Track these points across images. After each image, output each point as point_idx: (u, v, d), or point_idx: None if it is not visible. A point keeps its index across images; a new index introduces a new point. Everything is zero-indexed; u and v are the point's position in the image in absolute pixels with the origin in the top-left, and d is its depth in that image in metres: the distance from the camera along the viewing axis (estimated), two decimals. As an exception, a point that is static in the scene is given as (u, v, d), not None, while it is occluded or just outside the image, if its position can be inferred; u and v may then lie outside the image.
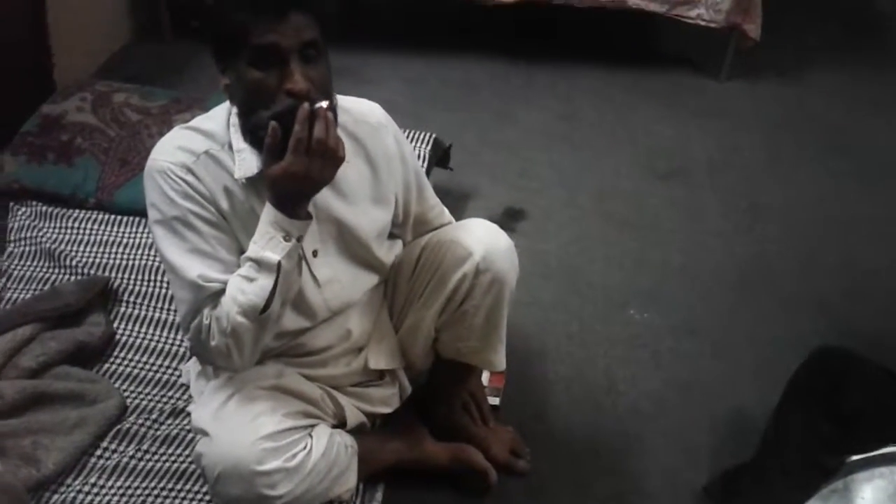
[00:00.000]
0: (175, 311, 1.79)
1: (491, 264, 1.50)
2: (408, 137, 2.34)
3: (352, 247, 1.49)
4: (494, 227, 1.59)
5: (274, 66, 1.25)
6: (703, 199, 2.63)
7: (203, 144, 1.37)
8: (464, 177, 2.60)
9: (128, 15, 3.32)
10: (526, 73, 3.28)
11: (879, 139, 2.98)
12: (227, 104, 1.40)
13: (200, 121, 1.42)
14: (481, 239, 1.52)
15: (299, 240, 1.31)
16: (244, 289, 1.31)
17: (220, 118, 1.39)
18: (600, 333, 2.13)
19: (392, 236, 1.59)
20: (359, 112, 1.48)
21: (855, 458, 1.27)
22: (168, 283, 1.57)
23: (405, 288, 1.61)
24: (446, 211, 1.69)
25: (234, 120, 1.36)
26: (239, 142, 1.35)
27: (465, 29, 3.51)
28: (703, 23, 3.10)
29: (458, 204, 2.47)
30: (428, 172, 2.28)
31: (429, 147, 2.37)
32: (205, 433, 1.41)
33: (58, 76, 2.60)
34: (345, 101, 1.44)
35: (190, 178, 1.34)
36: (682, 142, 2.92)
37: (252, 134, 1.32)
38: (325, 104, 1.24)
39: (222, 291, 1.33)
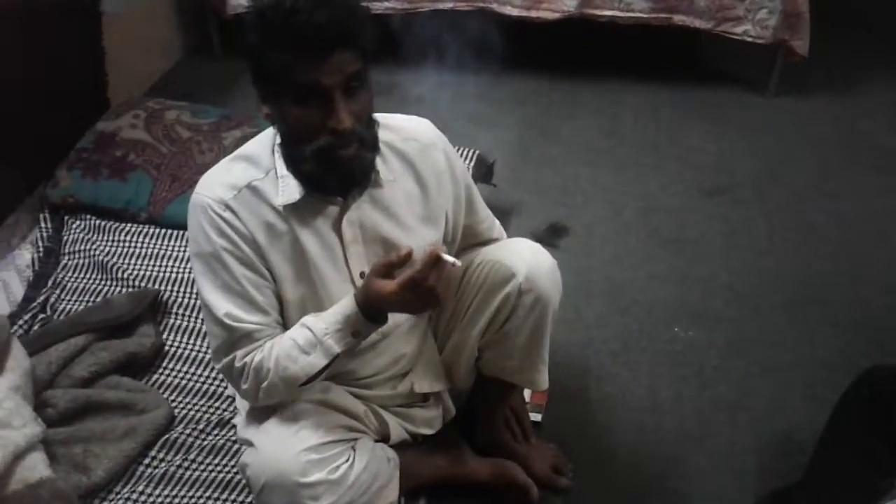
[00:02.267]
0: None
1: (534, 284, 1.49)
2: (452, 153, 2.37)
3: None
4: (538, 246, 1.57)
5: (317, 103, 1.25)
6: (751, 217, 2.60)
7: (246, 175, 1.36)
8: (507, 193, 2.61)
9: (179, 34, 3.41)
10: (570, 89, 3.28)
11: (932, 156, 2.91)
12: (272, 129, 1.40)
13: (250, 145, 1.42)
14: (525, 259, 1.51)
15: (366, 337, 1.36)
16: (296, 358, 1.33)
17: (267, 142, 1.39)
18: (644, 351, 2.11)
19: None
20: (408, 130, 1.46)
21: (906, 481, 1.24)
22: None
23: (449, 307, 1.60)
24: (497, 224, 1.68)
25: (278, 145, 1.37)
26: (282, 168, 1.35)
27: (510, 46, 3.52)
28: (749, 39, 3.07)
29: (502, 220, 2.42)
30: (471, 189, 2.29)
31: (472, 164, 2.39)
32: (250, 444, 1.43)
33: (112, 94, 2.68)
34: (394, 119, 1.45)
35: (227, 214, 1.34)
36: (728, 159, 2.88)
37: (294, 166, 1.33)
38: (457, 263, 1.25)
39: (253, 333, 1.36)
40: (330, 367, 1.35)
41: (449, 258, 1.24)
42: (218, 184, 1.36)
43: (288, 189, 1.34)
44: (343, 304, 1.34)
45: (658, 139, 2.99)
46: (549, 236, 2.50)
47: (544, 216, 2.58)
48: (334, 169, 1.30)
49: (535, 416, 1.87)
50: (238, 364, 1.37)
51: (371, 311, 1.32)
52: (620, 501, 1.75)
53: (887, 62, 3.45)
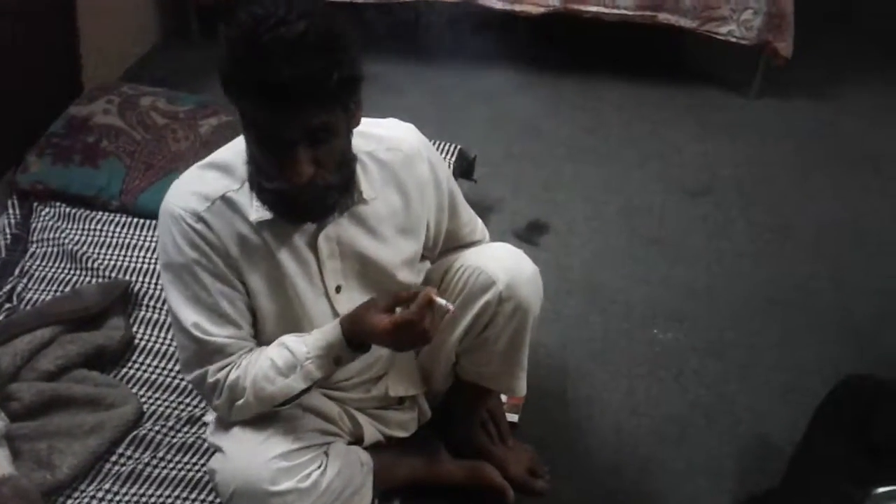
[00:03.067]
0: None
1: (514, 293, 1.46)
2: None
3: (376, 280, 1.43)
4: (519, 253, 1.55)
5: (277, 151, 1.18)
6: (732, 218, 2.59)
7: (219, 185, 1.30)
8: (488, 189, 2.58)
9: (156, 18, 3.34)
10: (552, 85, 3.25)
11: (912, 160, 2.92)
12: None
13: (221, 152, 1.36)
14: (506, 266, 1.48)
15: (347, 363, 1.35)
16: (272, 378, 1.31)
17: (241, 151, 1.31)
18: (623, 352, 2.09)
19: (421, 258, 1.54)
20: (392, 139, 1.40)
21: (881, 490, 1.24)
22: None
23: None
24: (479, 226, 1.64)
25: None
26: None
27: (493, 40, 3.50)
28: (734, 39, 3.06)
29: (482, 216, 2.39)
30: (452, 184, 2.26)
31: (453, 158, 2.36)
32: (219, 450, 1.39)
33: (85, 78, 2.62)
34: (377, 127, 1.39)
35: (200, 226, 1.28)
36: (710, 159, 2.87)
37: (257, 193, 1.28)
38: (451, 307, 1.28)
39: (225, 347, 1.33)
40: (308, 390, 1.34)
41: (442, 301, 1.25)
42: (190, 193, 1.30)
43: (263, 206, 1.29)
44: (327, 332, 1.32)
45: (641, 138, 2.97)
46: (529, 233, 2.48)
47: (525, 213, 2.56)
48: (293, 209, 1.27)
49: (512, 417, 1.85)
50: (211, 379, 1.33)
51: (356, 341, 1.31)
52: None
53: (870, 64, 3.46)
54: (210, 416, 1.51)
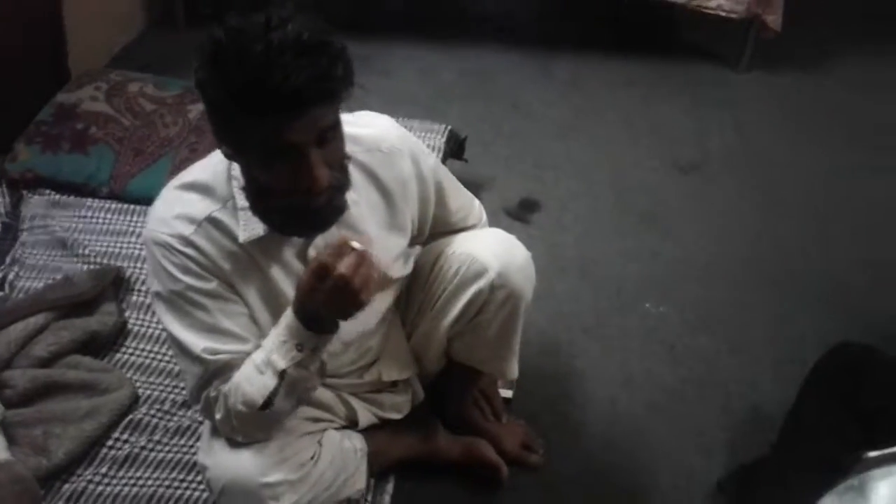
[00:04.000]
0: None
1: (507, 280, 1.45)
2: (423, 129, 2.33)
3: None
4: (512, 239, 1.53)
5: (288, 162, 1.13)
6: (723, 193, 2.60)
7: (202, 207, 1.26)
8: (479, 168, 2.58)
9: (142, 4, 3.31)
10: (543, 63, 3.24)
11: (901, 132, 2.93)
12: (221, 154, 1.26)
13: (197, 171, 1.31)
14: (498, 254, 1.46)
15: (315, 350, 1.24)
16: (251, 379, 1.25)
17: (220, 170, 1.28)
18: (616, 327, 2.10)
19: (411, 243, 1.51)
20: (370, 140, 1.36)
21: (872, 454, 1.25)
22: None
23: (419, 295, 1.56)
24: (475, 212, 1.62)
25: (236, 173, 1.26)
26: (242, 200, 1.25)
27: (482, 19, 3.48)
28: (723, 13, 3.05)
29: (473, 195, 2.45)
30: (442, 163, 2.26)
31: (444, 139, 2.35)
32: (208, 445, 1.37)
33: (72, 65, 2.60)
34: (353, 128, 1.28)
35: (190, 250, 1.25)
36: (701, 134, 2.87)
37: (261, 216, 1.24)
38: (362, 246, 1.14)
39: (231, 361, 1.28)
40: (288, 388, 1.25)
41: (357, 245, 1.14)
42: (174, 218, 1.26)
43: (250, 224, 1.26)
44: (285, 314, 1.25)
45: (631, 114, 2.97)
46: (521, 211, 2.48)
47: (516, 191, 2.56)
48: (306, 221, 1.22)
49: (506, 394, 1.86)
50: (213, 394, 1.30)
51: (305, 314, 1.21)
52: (590, 476, 1.75)
53: (859, 37, 3.45)
54: (205, 430, 1.44)
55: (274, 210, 1.22)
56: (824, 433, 1.54)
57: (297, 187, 1.15)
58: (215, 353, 1.27)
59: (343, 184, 1.22)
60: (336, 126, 1.16)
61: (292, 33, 1.07)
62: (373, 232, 1.37)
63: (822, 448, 1.52)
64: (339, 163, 1.20)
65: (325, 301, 1.17)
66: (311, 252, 1.30)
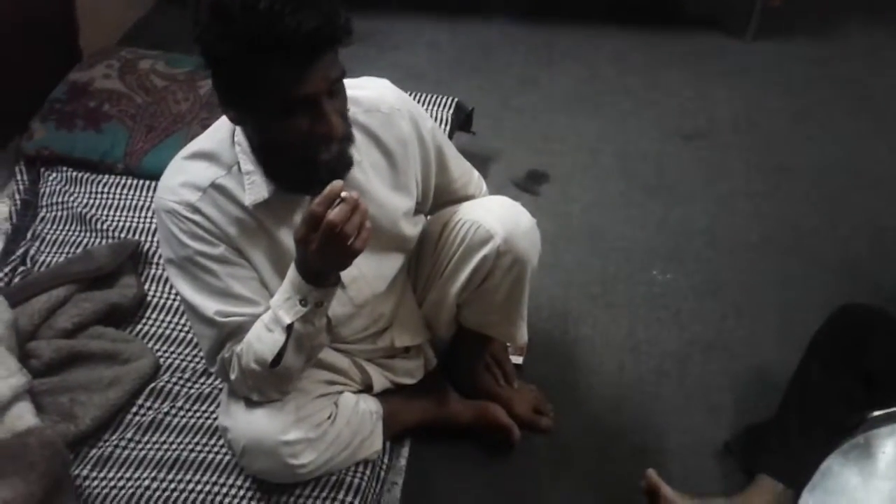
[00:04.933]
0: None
1: (512, 246, 1.47)
2: (430, 102, 2.36)
3: (375, 238, 1.33)
4: (517, 205, 1.55)
5: (302, 112, 1.17)
6: (729, 160, 2.62)
7: (207, 174, 1.30)
8: (486, 140, 2.61)
9: (151, -18, 3.33)
10: (548, 36, 3.26)
11: (907, 99, 2.94)
12: (226, 120, 1.31)
13: (202, 140, 1.35)
14: (503, 220, 1.48)
15: (319, 304, 1.26)
16: (261, 337, 1.29)
17: (224, 137, 1.31)
18: (623, 294, 2.14)
19: (416, 212, 1.55)
20: (369, 101, 1.39)
21: (876, 413, 1.27)
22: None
23: (428, 263, 1.60)
24: (475, 179, 1.65)
25: (240, 138, 1.29)
26: (247, 164, 1.29)
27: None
28: (728, -18, 3.05)
29: (481, 167, 2.45)
30: (450, 136, 2.29)
31: (451, 111, 2.37)
32: (227, 407, 1.42)
33: (84, 44, 2.63)
34: (353, 90, 1.30)
35: (197, 217, 1.29)
36: (707, 103, 2.89)
37: (275, 174, 1.28)
38: (354, 194, 1.15)
39: (244, 324, 1.32)
40: (296, 344, 1.29)
41: (346, 193, 1.15)
42: (180, 185, 1.30)
43: (255, 187, 1.29)
44: (289, 271, 1.27)
45: (636, 85, 2.99)
46: (529, 183, 2.51)
47: (524, 163, 2.59)
48: (319, 172, 1.23)
49: (517, 360, 1.90)
50: (227, 355, 1.34)
51: (304, 267, 1.24)
52: (600, 439, 1.80)
53: (864, 6, 3.44)
54: (223, 394, 1.50)
55: (288, 166, 1.25)
56: (829, 394, 1.57)
57: (312, 138, 1.18)
58: (227, 315, 1.32)
59: (350, 134, 1.26)
60: (342, 76, 1.20)
61: None
62: (378, 192, 1.41)
63: (828, 408, 1.55)
64: (345, 113, 1.24)
65: (320, 250, 1.17)
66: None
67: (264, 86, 1.14)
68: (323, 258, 1.20)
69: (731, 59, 3.14)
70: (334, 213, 1.14)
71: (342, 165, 1.25)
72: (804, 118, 2.82)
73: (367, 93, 1.40)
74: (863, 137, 2.73)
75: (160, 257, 1.98)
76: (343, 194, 1.15)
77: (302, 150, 1.21)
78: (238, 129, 1.29)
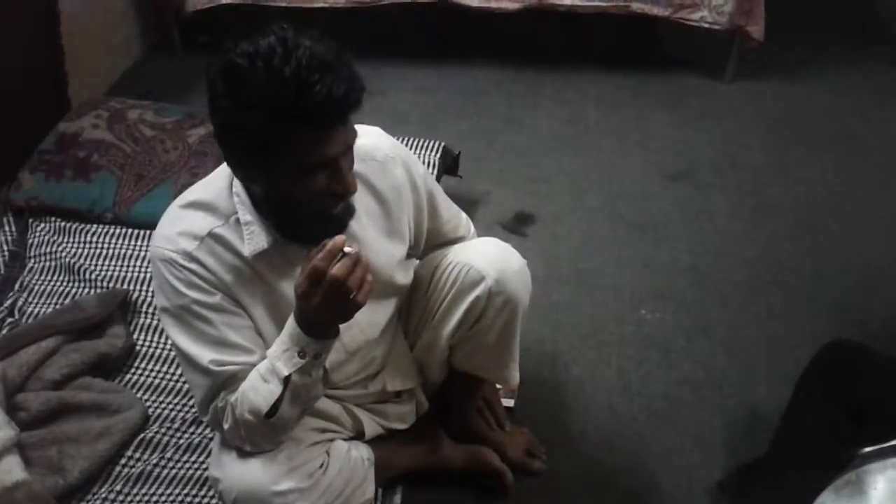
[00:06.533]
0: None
1: (504, 287, 1.49)
2: (417, 146, 2.39)
3: (375, 288, 1.33)
4: (507, 247, 1.57)
5: (321, 173, 1.20)
6: (712, 200, 2.65)
7: (205, 223, 1.31)
8: (473, 183, 2.63)
9: (139, 32, 3.37)
10: (532, 79, 3.31)
11: (886, 136, 2.99)
12: (225, 170, 1.33)
13: (199, 191, 1.36)
14: (494, 261, 1.50)
15: (318, 356, 1.27)
16: (257, 387, 1.29)
17: (221, 186, 1.33)
18: (613, 334, 2.15)
19: (408, 256, 1.56)
20: (364, 150, 1.39)
21: (868, 449, 1.28)
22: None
23: (420, 306, 1.61)
24: (463, 221, 1.67)
25: (238, 189, 1.30)
26: (245, 214, 1.30)
27: (473, 38, 3.55)
28: (706, 25, 3.12)
29: (469, 210, 2.46)
30: (438, 180, 2.31)
31: (438, 155, 2.40)
32: (218, 458, 1.41)
33: (72, 94, 2.65)
34: None
35: (194, 265, 1.29)
36: (689, 143, 2.93)
37: (289, 228, 1.30)
38: (356, 248, 1.18)
39: (238, 373, 1.32)
40: (293, 395, 1.28)
41: (348, 249, 1.17)
42: (177, 234, 1.30)
43: (255, 238, 1.30)
44: (287, 322, 1.28)
45: (620, 126, 3.03)
46: (516, 224, 2.53)
47: (511, 205, 2.61)
48: (330, 224, 1.26)
49: (508, 402, 1.90)
50: (221, 405, 1.33)
51: (304, 321, 1.25)
52: (593, 481, 1.79)
53: (841, 45, 3.52)
54: (214, 444, 1.48)
55: (302, 220, 1.26)
56: (819, 430, 1.57)
57: (329, 195, 1.22)
58: (222, 364, 1.31)
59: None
60: (356, 136, 1.24)
61: (314, 51, 1.12)
62: (372, 239, 1.42)
63: (818, 445, 1.55)
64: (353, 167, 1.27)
65: (322, 304, 1.19)
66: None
67: (285, 152, 1.16)
68: (325, 312, 1.21)
69: (711, 99, 3.19)
70: (337, 268, 1.16)
71: (348, 216, 1.29)
72: (785, 156, 2.87)
73: (362, 141, 1.40)
74: (843, 174, 2.78)
75: (149, 306, 1.98)
76: (345, 249, 1.17)
77: (316, 206, 1.23)
78: (236, 181, 1.31)
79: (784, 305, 2.24)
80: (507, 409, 1.88)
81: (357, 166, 1.36)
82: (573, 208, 2.61)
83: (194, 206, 1.34)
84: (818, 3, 3.86)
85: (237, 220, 1.31)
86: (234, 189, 1.31)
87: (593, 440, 1.88)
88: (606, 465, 1.82)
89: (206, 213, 1.32)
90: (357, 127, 1.44)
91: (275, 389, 1.27)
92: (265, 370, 1.29)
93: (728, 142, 2.94)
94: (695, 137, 2.96)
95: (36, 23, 2.51)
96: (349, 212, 1.29)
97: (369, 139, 1.44)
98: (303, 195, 1.22)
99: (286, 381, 1.26)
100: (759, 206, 2.62)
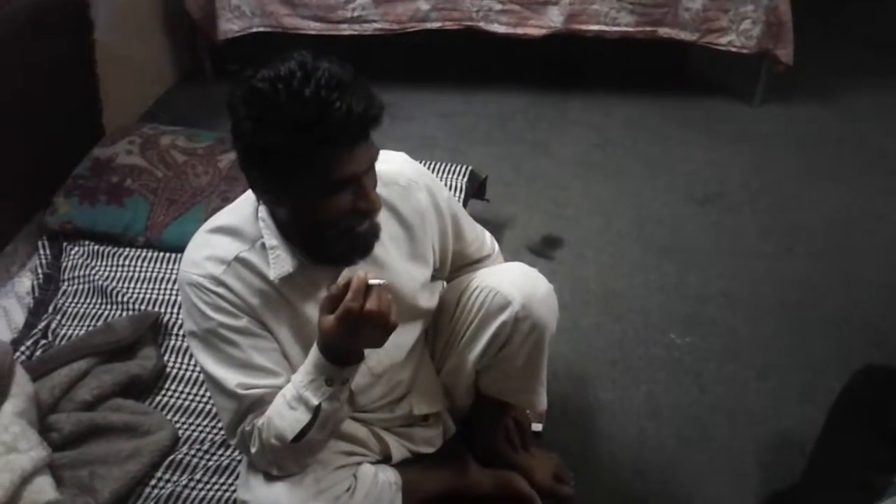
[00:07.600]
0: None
1: (531, 312, 1.48)
2: (444, 170, 2.40)
3: (399, 312, 1.34)
4: (534, 272, 1.56)
5: (346, 191, 1.21)
6: (742, 223, 2.63)
7: (231, 248, 1.33)
8: (501, 207, 2.64)
9: (172, 60, 3.45)
10: (559, 104, 3.32)
11: (917, 157, 2.96)
12: (251, 197, 1.34)
13: (226, 216, 1.38)
14: (520, 286, 1.49)
15: (345, 382, 1.29)
16: (283, 414, 1.30)
17: (247, 212, 1.35)
18: (642, 359, 2.13)
19: (433, 278, 1.57)
20: (388, 174, 1.40)
21: (903, 476, 1.26)
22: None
23: (447, 330, 1.60)
24: (487, 241, 1.67)
25: (264, 214, 1.32)
26: (271, 239, 1.31)
27: (499, 63, 3.57)
28: (734, 49, 3.12)
29: (496, 234, 2.47)
30: (465, 204, 2.32)
31: (465, 179, 2.41)
32: (246, 480, 1.41)
33: (106, 121, 2.70)
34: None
35: (221, 289, 1.31)
36: (718, 167, 2.92)
37: (316, 250, 1.30)
38: (382, 282, 1.21)
39: (265, 396, 1.32)
40: (321, 422, 1.29)
41: (375, 281, 1.20)
42: (204, 259, 1.32)
43: (280, 262, 1.31)
44: (311, 352, 1.29)
45: (648, 150, 3.03)
46: (544, 248, 2.53)
47: (538, 229, 2.61)
48: (357, 244, 1.29)
49: (536, 427, 1.88)
50: (248, 428, 1.34)
51: (332, 353, 1.26)
52: (623, 507, 1.77)
53: (870, 68, 3.51)
54: (242, 467, 1.49)
55: (328, 241, 1.27)
56: (854, 457, 1.55)
57: (354, 214, 1.23)
58: (249, 387, 1.32)
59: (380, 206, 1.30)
60: (378, 153, 1.25)
61: (332, 72, 1.15)
62: (396, 264, 1.43)
63: (853, 472, 1.52)
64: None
65: (353, 336, 1.22)
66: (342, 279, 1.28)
67: (309, 171, 1.18)
68: (362, 344, 1.26)
69: (740, 123, 3.18)
70: (371, 302, 1.19)
71: (375, 235, 1.31)
72: (814, 178, 2.85)
73: (386, 167, 1.42)
74: (872, 195, 2.75)
75: (180, 328, 2.00)
76: (371, 282, 1.19)
77: (342, 225, 1.25)
78: (262, 206, 1.32)
79: (816, 329, 2.21)
80: (536, 433, 1.87)
81: (380, 191, 1.36)
82: (601, 232, 2.61)
83: (221, 231, 1.35)
84: (846, 26, 3.85)
85: (263, 245, 1.32)
86: (259, 214, 1.33)
87: (622, 466, 1.85)
88: (635, 492, 1.80)
89: (233, 238, 1.34)
90: (381, 153, 1.47)
91: (301, 417, 1.28)
92: (291, 397, 1.30)
93: (757, 165, 2.92)
94: (724, 160, 2.95)
95: (71, 51, 2.56)
96: (375, 231, 1.30)
97: (392, 165, 1.45)
98: (328, 214, 1.23)
99: (316, 409, 1.28)
100: (789, 229, 2.60)
